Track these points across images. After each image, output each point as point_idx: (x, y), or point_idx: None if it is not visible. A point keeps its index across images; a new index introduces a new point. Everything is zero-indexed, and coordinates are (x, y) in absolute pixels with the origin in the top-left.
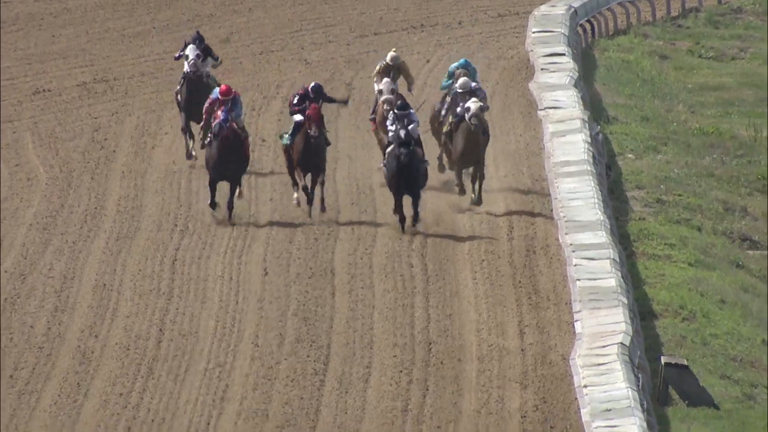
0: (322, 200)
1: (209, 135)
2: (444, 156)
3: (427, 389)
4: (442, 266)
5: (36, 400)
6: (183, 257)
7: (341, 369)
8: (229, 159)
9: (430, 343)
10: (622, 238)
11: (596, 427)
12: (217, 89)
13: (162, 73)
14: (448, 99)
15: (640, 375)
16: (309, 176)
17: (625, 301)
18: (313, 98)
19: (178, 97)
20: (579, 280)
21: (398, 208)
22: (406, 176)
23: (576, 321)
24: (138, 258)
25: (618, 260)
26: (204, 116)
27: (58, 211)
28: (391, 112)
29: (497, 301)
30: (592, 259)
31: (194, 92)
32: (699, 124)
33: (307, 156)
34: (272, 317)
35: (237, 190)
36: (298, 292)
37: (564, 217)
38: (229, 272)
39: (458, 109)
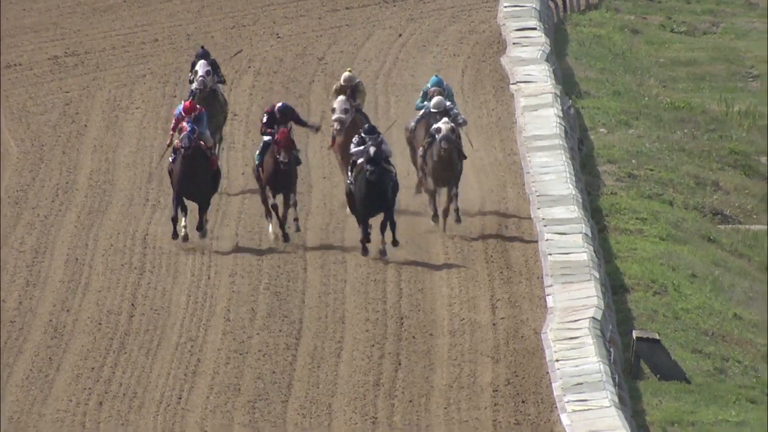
0: (296, 220)
1: (174, 154)
2: (420, 179)
3: (399, 363)
4: (414, 241)
5: (8, 375)
6: (155, 232)
7: (313, 343)
8: (194, 174)
9: (402, 318)
10: (593, 213)
11: (568, 401)
12: (180, 106)
13: (133, 47)
14: (410, 120)
15: (611, 349)
16: (280, 197)
17: (597, 275)
18: (279, 119)
19: None
20: (551, 254)
21: (364, 226)
22: (375, 194)
23: (548, 295)
24: (110, 232)
25: (590, 234)
26: (171, 134)
27: (29, 185)
28: (358, 136)
29: (469, 276)
30: (564, 233)
31: (206, 107)
32: (670, 98)
33: (276, 179)
34: (244, 291)
35: (204, 221)
36: (270, 266)
37: (536, 191)
38: (201, 247)
39: (431, 130)
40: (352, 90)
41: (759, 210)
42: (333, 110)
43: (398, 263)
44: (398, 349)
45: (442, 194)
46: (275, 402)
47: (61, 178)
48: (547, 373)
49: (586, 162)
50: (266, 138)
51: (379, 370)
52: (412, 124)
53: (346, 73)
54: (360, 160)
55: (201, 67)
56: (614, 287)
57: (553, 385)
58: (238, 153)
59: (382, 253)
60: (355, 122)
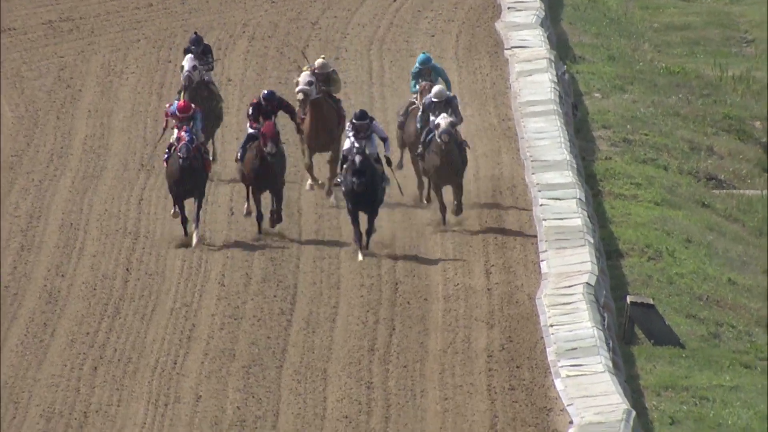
0: (277, 213)
1: (168, 150)
2: (419, 179)
3: (394, 329)
4: (409, 206)
5: (2, 340)
6: (149, 197)
7: (308, 309)
8: (191, 179)
9: (397, 283)
10: (588, 178)
11: (562, 366)
12: (175, 104)
13: (128, 12)
14: (415, 108)
15: (605, 314)
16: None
17: (591, 240)
18: (265, 106)
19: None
20: (545, 219)
21: (355, 223)
22: (362, 201)
23: (542, 261)
24: (104, 197)
25: (584, 200)
26: (164, 123)
27: (24, 150)
28: (350, 122)
29: (463, 241)
30: (559, 198)
31: (199, 102)
32: (665, 63)
33: (262, 174)
34: (238, 257)
35: (198, 221)
36: (265, 231)
37: (530, 156)
38: (193, 209)
39: (430, 124)
40: (324, 77)
41: (753, 175)
42: (296, 83)
43: (393, 229)
44: (393, 314)
45: (447, 192)
46: (270, 367)
47: (55, 143)
48: (542, 338)
49: (581, 127)
50: (249, 131)
51: (374, 336)
52: (401, 118)
53: (320, 60)
54: (347, 159)
55: (187, 62)
56: (608, 252)
57: (547, 350)
58: (233, 118)
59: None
60: (324, 108)
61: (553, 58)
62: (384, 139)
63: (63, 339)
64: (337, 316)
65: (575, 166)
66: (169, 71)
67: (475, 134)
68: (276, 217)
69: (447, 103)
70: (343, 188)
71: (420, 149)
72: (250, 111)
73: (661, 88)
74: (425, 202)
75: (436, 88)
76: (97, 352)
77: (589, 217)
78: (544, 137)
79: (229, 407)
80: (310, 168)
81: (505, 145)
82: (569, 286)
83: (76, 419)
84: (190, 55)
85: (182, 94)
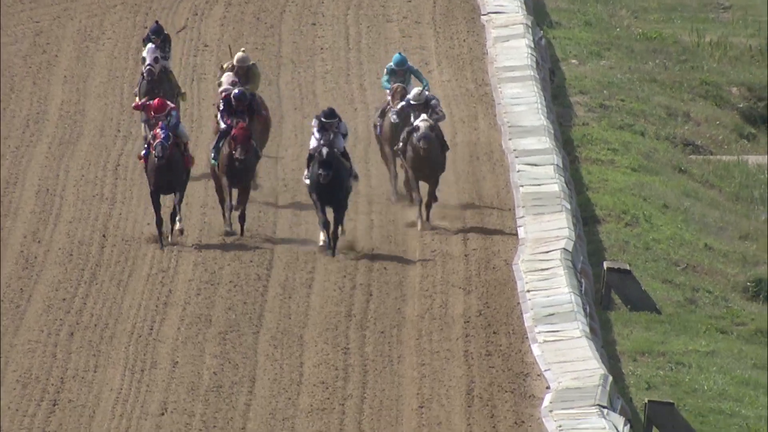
0: (243, 219)
1: (147, 147)
2: (392, 178)
3: (371, 294)
4: (385, 171)
5: None
6: (126, 163)
7: (284, 274)
8: (169, 176)
9: (374, 249)
10: (565, 144)
11: (539, 332)
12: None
13: None
14: (391, 112)
15: (582, 280)
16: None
17: (569, 206)
18: (236, 106)
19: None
20: (522, 185)
21: (322, 223)
22: (328, 195)
23: (519, 226)
24: (81, 163)
25: (561, 165)
26: (216, 123)
27: None
28: (316, 119)
29: (440, 207)
30: (536, 164)
31: (156, 94)
32: (642, 29)
33: (233, 175)
34: (215, 222)
35: (179, 217)
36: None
37: (507, 122)
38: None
39: (411, 125)
40: (245, 72)
41: (730, 140)
42: (219, 84)
43: (369, 196)
44: (370, 280)
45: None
46: (246, 333)
47: (31, 108)
48: (518, 304)
49: (558, 93)
50: (222, 126)
51: (351, 302)
52: (379, 120)
53: (240, 54)
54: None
55: (149, 54)
56: (585, 218)
57: (524, 315)
58: (209, 84)
59: (326, 246)
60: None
61: (529, 24)
62: (343, 135)
63: (39, 305)
64: (313, 281)
65: (552, 131)
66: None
67: (452, 100)
68: (241, 215)
69: (426, 105)
70: (309, 184)
71: (401, 145)
72: (221, 107)
73: (637, 54)
74: (412, 197)
75: (414, 91)
76: (73, 317)
77: (566, 182)
78: (521, 103)
79: (205, 373)
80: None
81: (482, 111)
82: (546, 252)
83: (52, 385)
84: (151, 45)
85: (140, 87)
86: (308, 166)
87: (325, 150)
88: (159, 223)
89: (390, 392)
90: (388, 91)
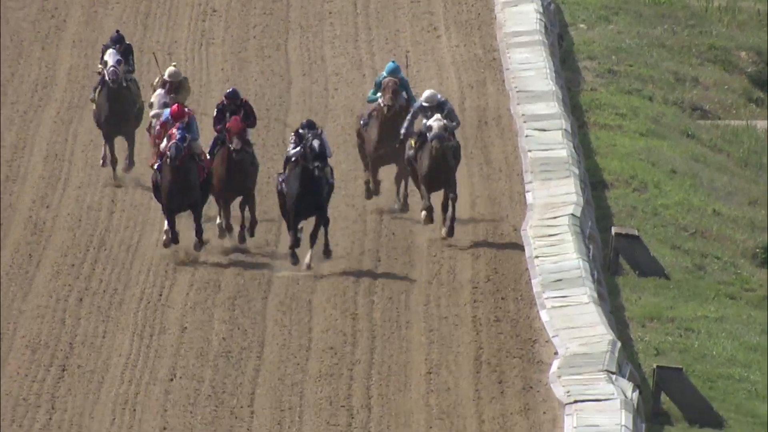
0: (252, 224)
1: (159, 158)
2: (399, 181)
3: (379, 260)
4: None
5: None
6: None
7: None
8: (184, 187)
9: (382, 214)
10: (573, 109)
11: (547, 298)
12: (167, 111)
13: None
14: (378, 111)
15: (590, 245)
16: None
17: (577, 171)
18: (228, 105)
19: (93, 107)
20: (530, 151)
21: (294, 230)
22: (312, 194)
23: (527, 192)
24: (89, 128)
25: (569, 131)
26: (153, 141)
27: (8, 80)
28: (294, 133)
29: None
30: (544, 129)
31: (116, 103)
32: None
33: (230, 175)
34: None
35: (200, 231)
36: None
37: (516, 87)
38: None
39: (422, 127)
40: (176, 86)
41: (738, 105)
42: (151, 105)
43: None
44: (378, 245)
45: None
46: (255, 299)
47: (40, 73)
48: (527, 269)
49: (566, 58)
50: (216, 134)
51: (359, 267)
52: (366, 115)
53: (171, 68)
54: (295, 157)
55: (111, 56)
56: (594, 183)
57: (532, 281)
58: (218, 48)
59: (308, 266)
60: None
61: None
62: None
63: (48, 270)
64: (320, 248)
65: (560, 96)
66: (153, 0)
67: (460, 65)
68: (250, 228)
69: (439, 108)
70: (286, 188)
71: (411, 152)
72: (215, 113)
73: (646, 18)
74: (400, 201)
75: (427, 92)
76: (82, 283)
77: (574, 148)
78: (530, 68)
79: (214, 338)
80: None
81: (491, 76)
82: (554, 218)
83: (61, 350)
84: (112, 50)
85: (98, 90)
86: (284, 168)
87: (316, 142)
88: (174, 239)
89: (398, 358)
90: (372, 105)
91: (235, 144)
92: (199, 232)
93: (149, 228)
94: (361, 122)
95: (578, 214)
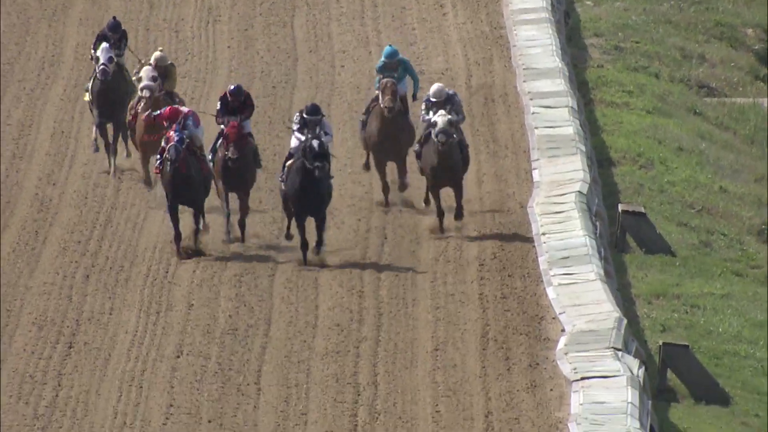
0: (243, 226)
1: (160, 156)
2: (382, 182)
3: (386, 237)
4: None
5: None
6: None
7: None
8: (186, 185)
9: (389, 191)
10: (580, 86)
11: (554, 275)
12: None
13: None
14: (376, 105)
15: (597, 223)
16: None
17: (583, 148)
18: (231, 102)
19: (87, 97)
20: (537, 128)
21: (301, 230)
22: (312, 194)
23: (534, 169)
24: None
25: (576, 108)
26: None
27: (15, 58)
28: (299, 116)
29: None
30: (551, 107)
31: (108, 97)
32: None
33: (227, 177)
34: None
35: (201, 220)
36: (257, 140)
37: (522, 64)
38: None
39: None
40: (163, 72)
41: (745, 82)
42: (139, 79)
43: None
44: (384, 222)
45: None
46: (262, 276)
47: (47, 51)
48: (533, 246)
49: (573, 35)
50: (222, 128)
51: (366, 244)
52: (364, 116)
53: (158, 53)
54: (296, 154)
55: (103, 52)
56: (600, 161)
57: (539, 259)
58: (224, 26)
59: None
60: (159, 104)
61: None
62: (326, 134)
63: (55, 247)
64: (328, 223)
65: (567, 74)
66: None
67: (467, 42)
68: (241, 222)
69: (447, 101)
70: (287, 187)
71: (417, 147)
72: (218, 106)
73: None
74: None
75: (435, 87)
76: (89, 260)
77: (581, 125)
78: (536, 45)
79: (221, 315)
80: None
81: (497, 53)
82: (561, 195)
83: (68, 327)
84: (105, 45)
85: (91, 83)
86: (284, 166)
87: (316, 142)
88: (178, 238)
89: (405, 335)
90: (377, 92)
91: (231, 153)
92: (198, 225)
93: (155, 205)
94: (361, 119)
95: (585, 191)
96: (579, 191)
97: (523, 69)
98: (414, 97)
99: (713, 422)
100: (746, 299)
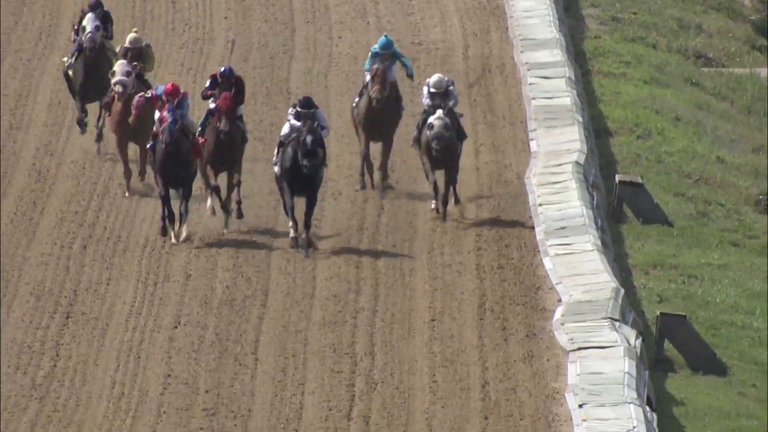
0: (239, 203)
1: (152, 139)
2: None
3: (383, 208)
4: (399, 79)
5: None
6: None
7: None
8: (177, 165)
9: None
10: (577, 56)
11: (551, 245)
12: (161, 87)
13: None
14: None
15: (594, 193)
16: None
17: (581, 119)
18: (222, 84)
19: (69, 73)
20: (534, 98)
21: (290, 213)
22: (303, 185)
23: (531, 140)
24: None
25: (573, 78)
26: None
27: (12, 28)
28: (293, 107)
29: None
30: (548, 77)
31: (93, 70)
32: None
33: (218, 152)
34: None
35: (185, 204)
36: (254, 111)
37: (519, 35)
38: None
39: (427, 117)
40: (139, 54)
41: (742, 53)
42: (113, 73)
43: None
44: (382, 193)
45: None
46: (259, 247)
47: (44, 21)
48: (530, 217)
49: (570, 5)
50: (210, 106)
51: (363, 215)
52: (357, 99)
53: (133, 34)
54: (286, 144)
55: (89, 22)
56: (597, 131)
57: (536, 229)
58: (221, 3)
59: (304, 248)
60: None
61: None
62: (323, 128)
63: (52, 217)
64: (325, 195)
65: (564, 44)
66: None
67: (464, 13)
68: (238, 211)
69: (446, 95)
70: (279, 171)
71: (416, 133)
72: (208, 83)
73: None
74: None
75: (435, 78)
76: (86, 230)
77: (578, 95)
78: (533, 16)
79: (218, 286)
80: (125, 159)
81: (494, 24)
82: (558, 165)
83: (65, 297)
84: (91, 14)
85: (77, 55)
86: (278, 152)
87: (309, 138)
88: (170, 217)
89: (402, 305)
90: (367, 75)
91: (223, 125)
92: (183, 212)
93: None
94: (354, 101)
95: (582, 161)
96: (576, 162)
97: (521, 40)
98: (411, 78)
99: (710, 392)
100: (744, 269)
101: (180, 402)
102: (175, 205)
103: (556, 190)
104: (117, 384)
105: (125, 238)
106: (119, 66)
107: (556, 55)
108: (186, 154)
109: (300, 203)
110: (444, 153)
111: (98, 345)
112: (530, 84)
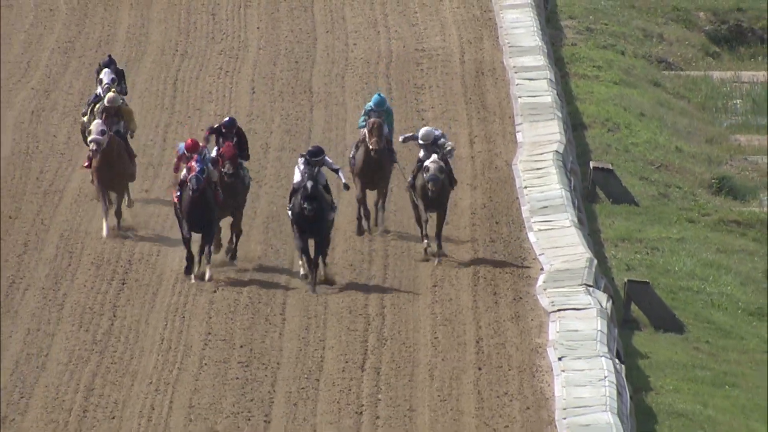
0: (235, 249)
1: (180, 186)
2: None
3: (391, 190)
4: (405, 80)
5: (59, 199)
6: (183, 77)
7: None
8: (203, 212)
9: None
10: (557, 61)
11: (535, 222)
12: (182, 144)
13: None
14: (362, 141)
15: (572, 177)
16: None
17: (560, 114)
18: (225, 133)
19: (86, 127)
20: (520, 97)
21: (301, 253)
22: (311, 228)
23: (518, 132)
24: (145, 78)
25: (554, 80)
26: (174, 174)
27: (75, 37)
28: (302, 156)
29: (450, 116)
30: (532, 79)
31: (109, 121)
32: None
33: (223, 194)
34: (258, 129)
35: (208, 249)
36: (282, 108)
37: (508, 43)
38: (221, 91)
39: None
40: (116, 112)
41: (698, 58)
42: (89, 132)
43: (389, 96)
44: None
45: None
46: (286, 223)
47: (102, 31)
48: (517, 198)
49: (551, 18)
50: (213, 155)
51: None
52: (353, 150)
53: (110, 94)
54: (296, 191)
55: (106, 75)
56: (575, 125)
57: (522, 208)
58: (255, 10)
59: (312, 286)
60: (113, 152)
61: None
62: (336, 170)
63: (112, 197)
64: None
65: (546, 51)
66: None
67: (460, 24)
68: (233, 251)
69: (434, 143)
70: (291, 215)
71: (410, 179)
72: (209, 130)
73: None
74: (380, 224)
75: (423, 130)
76: (140, 209)
77: (558, 94)
78: (520, 26)
79: (252, 256)
80: (105, 203)
81: (487, 33)
82: (541, 154)
83: (121, 266)
84: (107, 69)
85: (94, 107)
86: (290, 199)
87: (309, 183)
88: (190, 259)
89: (408, 273)
90: (362, 130)
91: (227, 168)
92: (209, 251)
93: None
94: (351, 153)
95: (561, 150)
96: (556, 151)
97: (509, 47)
98: (389, 139)
99: (670, 348)
100: (698, 242)
101: (218, 355)
102: (195, 248)
103: (539, 175)
104: (165, 340)
105: (173, 216)
106: (95, 126)
107: (539, 60)
108: (210, 201)
109: (313, 244)
110: (439, 195)
111: (149, 307)
112: (517, 85)
